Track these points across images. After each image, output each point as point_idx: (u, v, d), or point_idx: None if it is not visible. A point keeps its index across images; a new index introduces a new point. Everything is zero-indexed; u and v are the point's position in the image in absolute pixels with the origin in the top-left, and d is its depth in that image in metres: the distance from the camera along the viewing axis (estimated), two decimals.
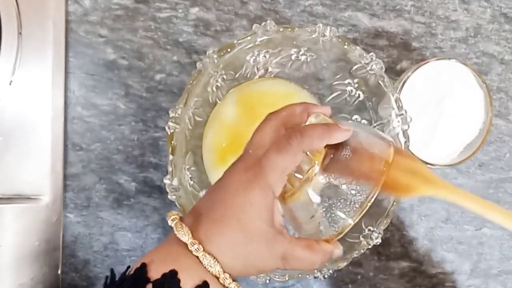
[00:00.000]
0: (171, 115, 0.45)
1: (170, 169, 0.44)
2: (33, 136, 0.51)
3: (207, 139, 0.50)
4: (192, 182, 0.48)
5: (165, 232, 0.53)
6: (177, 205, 0.45)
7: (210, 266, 0.34)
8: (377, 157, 0.37)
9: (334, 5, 0.54)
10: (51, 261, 0.52)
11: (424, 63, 0.49)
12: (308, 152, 0.36)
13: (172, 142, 0.45)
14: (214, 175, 0.50)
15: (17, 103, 0.51)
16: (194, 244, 0.34)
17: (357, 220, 0.36)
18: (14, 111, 0.51)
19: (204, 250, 0.34)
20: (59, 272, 0.52)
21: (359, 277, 0.55)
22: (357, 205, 0.36)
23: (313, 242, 0.37)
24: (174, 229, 0.35)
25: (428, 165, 0.50)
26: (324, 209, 0.37)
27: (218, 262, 0.34)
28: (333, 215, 0.36)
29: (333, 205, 0.36)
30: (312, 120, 0.38)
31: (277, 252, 0.35)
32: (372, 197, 0.36)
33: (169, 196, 0.44)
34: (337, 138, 0.36)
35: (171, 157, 0.45)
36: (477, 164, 0.55)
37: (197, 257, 0.34)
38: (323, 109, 0.39)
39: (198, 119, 0.49)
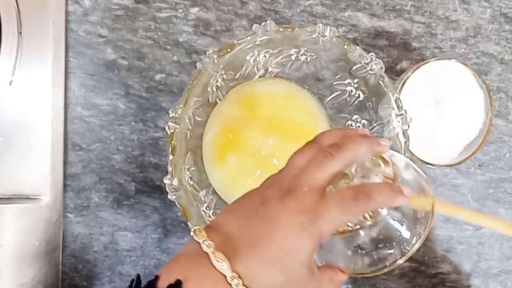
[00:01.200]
0: (171, 115, 0.45)
1: (170, 169, 0.44)
2: (33, 136, 0.51)
3: (207, 138, 0.50)
4: (192, 182, 0.48)
5: (165, 232, 0.53)
6: (177, 205, 0.45)
7: None
8: (422, 201, 0.37)
9: (334, 5, 0.54)
10: (51, 261, 0.52)
11: (424, 63, 0.49)
12: None
13: (172, 142, 0.45)
14: (214, 175, 0.50)
15: (17, 103, 0.51)
16: (234, 279, 0.33)
17: (405, 259, 0.37)
18: (14, 111, 0.51)
19: (243, 285, 0.33)
20: (59, 272, 0.52)
21: (359, 277, 0.55)
22: (407, 247, 0.36)
23: (333, 274, 0.37)
24: (212, 257, 0.33)
25: (428, 165, 0.50)
26: (370, 248, 0.37)
27: None
28: (379, 255, 0.37)
29: (382, 246, 0.37)
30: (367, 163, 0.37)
31: None
32: (423, 237, 0.36)
33: (169, 196, 0.44)
34: (399, 203, 0.36)
35: (171, 157, 0.45)
36: (477, 164, 0.55)
37: None
38: (385, 147, 0.38)
39: (198, 119, 0.49)
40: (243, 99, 0.50)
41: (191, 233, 0.35)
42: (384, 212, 0.37)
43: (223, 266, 0.33)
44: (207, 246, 0.33)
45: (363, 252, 0.38)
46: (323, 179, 0.35)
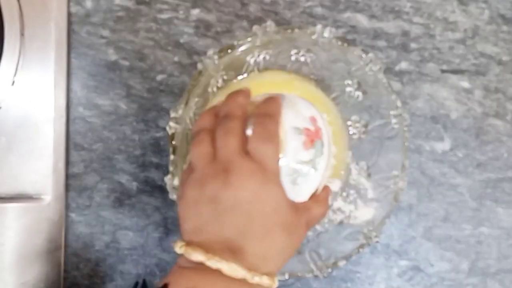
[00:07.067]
0: (172, 115, 0.45)
1: (171, 168, 0.45)
2: (35, 136, 0.52)
3: None
4: None
5: (166, 231, 0.54)
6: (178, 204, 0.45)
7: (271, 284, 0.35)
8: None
9: (333, 6, 0.55)
10: (53, 260, 0.52)
11: None
12: None
13: (173, 142, 0.45)
14: None
15: (20, 104, 0.52)
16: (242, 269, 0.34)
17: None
18: (16, 112, 0.52)
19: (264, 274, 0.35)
20: (61, 271, 0.52)
21: (358, 275, 0.55)
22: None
23: (317, 196, 0.40)
24: (250, 278, 0.34)
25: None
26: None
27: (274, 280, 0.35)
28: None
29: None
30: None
31: (303, 226, 0.37)
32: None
33: (170, 196, 0.45)
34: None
35: (172, 157, 0.45)
36: (475, 163, 0.56)
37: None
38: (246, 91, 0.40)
39: None
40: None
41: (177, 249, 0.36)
42: None
43: (249, 275, 0.34)
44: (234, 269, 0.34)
45: None
46: (239, 141, 0.36)
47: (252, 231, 0.35)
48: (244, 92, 0.39)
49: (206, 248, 0.34)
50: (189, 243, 0.35)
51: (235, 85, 0.49)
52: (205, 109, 0.40)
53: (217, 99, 0.49)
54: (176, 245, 0.36)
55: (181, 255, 0.36)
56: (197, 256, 0.34)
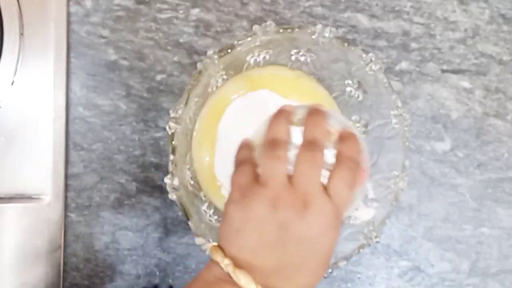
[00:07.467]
0: (171, 115, 0.45)
1: (170, 169, 0.45)
2: (35, 136, 0.52)
3: (197, 124, 0.49)
4: (192, 182, 0.48)
5: (166, 232, 0.54)
6: (178, 204, 0.45)
7: None
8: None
9: (333, 6, 0.54)
10: (52, 260, 0.52)
11: None
12: None
13: (173, 142, 0.45)
14: (201, 157, 0.49)
15: (19, 104, 0.52)
16: None
17: None
18: (16, 112, 0.52)
19: None
20: (60, 271, 0.52)
21: (358, 276, 0.55)
22: None
23: None
24: (234, 276, 0.34)
25: None
26: None
27: None
28: None
29: None
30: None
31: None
32: None
33: (169, 196, 0.45)
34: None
35: (171, 157, 0.45)
36: (475, 164, 0.56)
37: None
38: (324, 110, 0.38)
39: None
40: (244, 79, 0.49)
41: (207, 252, 0.35)
42: None
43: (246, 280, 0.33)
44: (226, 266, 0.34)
45: None
46: (320, 175, 0.35)
47: (308, 266, 0.35)
48: (325, 114, 0.37)
49: (252, 270, 0.34)
50: (236, 263, 0.34)
51: (242, 77, 0.49)
52: (278, 111, 0.38)
53: (224, 90, 0.49)
54: (218, 255, 0.35)
55: (217, 264, 0.35)
56: (247, 283, 0.33)
